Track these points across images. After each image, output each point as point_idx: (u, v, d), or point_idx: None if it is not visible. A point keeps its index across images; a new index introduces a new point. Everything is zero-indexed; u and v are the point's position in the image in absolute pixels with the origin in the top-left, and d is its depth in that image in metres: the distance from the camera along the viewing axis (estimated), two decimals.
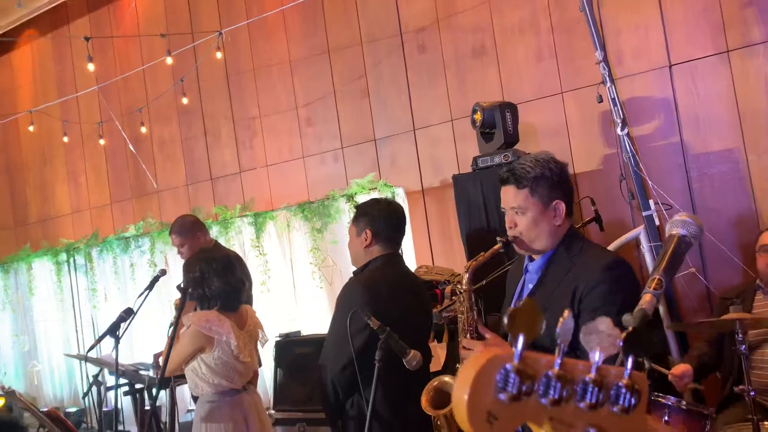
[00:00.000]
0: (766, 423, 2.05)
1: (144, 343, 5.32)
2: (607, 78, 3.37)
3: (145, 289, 3.08)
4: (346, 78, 5.18)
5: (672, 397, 2.21)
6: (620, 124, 3.37)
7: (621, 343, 0.67)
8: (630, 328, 0.88)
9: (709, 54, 3.82)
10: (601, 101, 3.55)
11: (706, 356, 2.71)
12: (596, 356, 0.63)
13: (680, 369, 2.59)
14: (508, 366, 0.59)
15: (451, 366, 3.12)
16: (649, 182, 3.38)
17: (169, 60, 4.68)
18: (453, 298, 3.53)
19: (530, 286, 1.85)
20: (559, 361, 0.63)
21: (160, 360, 3.63)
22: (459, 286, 1.87)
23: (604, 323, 0.61)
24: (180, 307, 2.55)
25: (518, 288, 1.91)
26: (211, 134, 5.93)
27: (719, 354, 2.71)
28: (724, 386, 2.69)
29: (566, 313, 0.62)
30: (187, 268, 2.72)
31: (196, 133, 6.01)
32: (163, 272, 3.28)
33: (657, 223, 3.32)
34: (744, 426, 2.31)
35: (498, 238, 1.85)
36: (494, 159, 3.70)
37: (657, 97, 4.00)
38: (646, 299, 0.87)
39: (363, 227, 2.28)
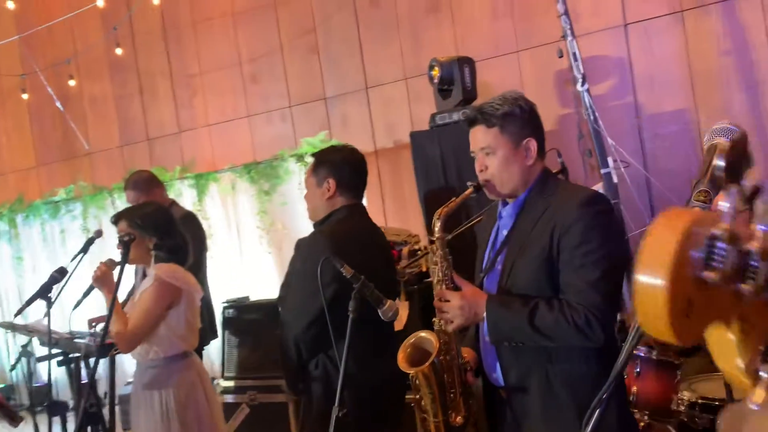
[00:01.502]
0: None
1: (77, 312, 4.97)
2: (569, 31, 3.29)
3: (80, 252, 2.82)
4: (293, 33, 4.92)
5: (643, 348, 2.20)
6: (580, 80, 3.32)
7: None
8: None
9: (664, 13, 3.81)
10: (562, 56, 3.48)
11: None
12: None
13: None
14: (716, 232, 0.41)
15: (412, 327, 3.03)
16: (609, 140, 3.36)
17: (100, 2, 4.27)
18: (415, 256, 3.44)
19: (504, 232, 1.77)
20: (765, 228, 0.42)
21: (99, 327, 3.38)
22: (431, 236, 1.76)
23: None
24: (123, 261, 2.32)
25: (492, 235, 1.83)
26: (148, 92, 5.55)
27: None
28: None
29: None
30: (129, 217, 2.47)
31: (130, 91, 5.61)
32: (99, 233, 3.02)
33: (615, 180, 3.31)
34: (712, 375, 2.34)
35: (469, 183, 1.76)
36: (452, 116, 3.59)
37: (612, 57, 3.98)
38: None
39: (324, 176, 2.12)
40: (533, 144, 1.73)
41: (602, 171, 3.34)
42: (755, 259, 0.43)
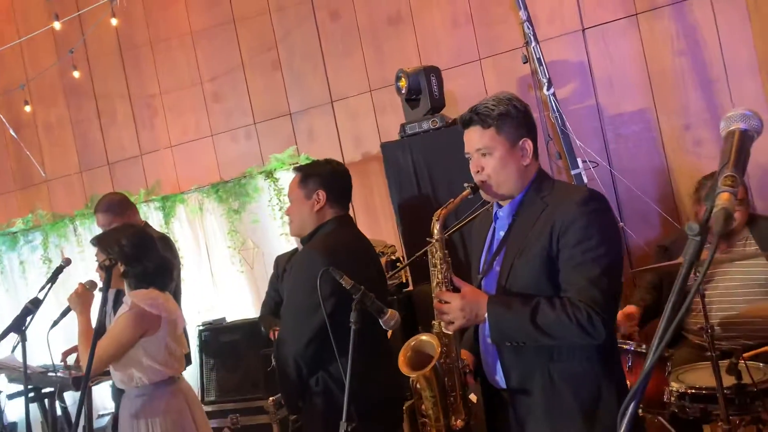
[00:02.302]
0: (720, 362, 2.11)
1: (44, 345, 4.78)
2: (532, 37, 3.36)
3: (48, 281, 2.73)
4: (254, 49, 4.89)
5: (632, 342, 2.24)
6: (546, 84, 3.39)
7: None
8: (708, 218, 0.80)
9: (620, 17, 3.94)
10: (526, 62, 3.55)
11: (646, 303, 2.79)
12: None
13: (628, 309, 2.65)
14: None
15: (394, 336, 3.02)
16: (576, 141, 3.44)
17: (57, 25, 4.14)
18: (393, 267, 3.43)
19: (501, 233, 1.77)
20: None
21: (70, 358, 3.25)
22: (430, 238, 1.75)
23: None
24: (105, 286, 2.24)
25: (488, 237, 1.82)
26: (106, 115, 5.41)
27: (659, 300, 2.80)
28: (679, 327, 2.78)
29: None
30: (110, 242, 2.39)
31: (88, 115, 5.46)
32: (68, 261, 2.92)
33: (585, 180, 3.39)
34: (699, 365, 2.40)
35: (465, 184, 1.74)
36: (422, 125, 3.62)
37: (572, 61, 4.08)
38: (724, 198, 0.79)
39: (314, 188, 2.10)
40: (529, 144, 1.73)
41: (572, 172, 3.41)
42: None
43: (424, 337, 1.77)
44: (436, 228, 1.74)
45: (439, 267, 1.73)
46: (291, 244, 3.91)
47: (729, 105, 3.67)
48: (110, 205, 3.48)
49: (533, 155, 1.74)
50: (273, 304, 3.50)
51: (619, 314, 2.60)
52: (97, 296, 2.44)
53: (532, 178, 1.74)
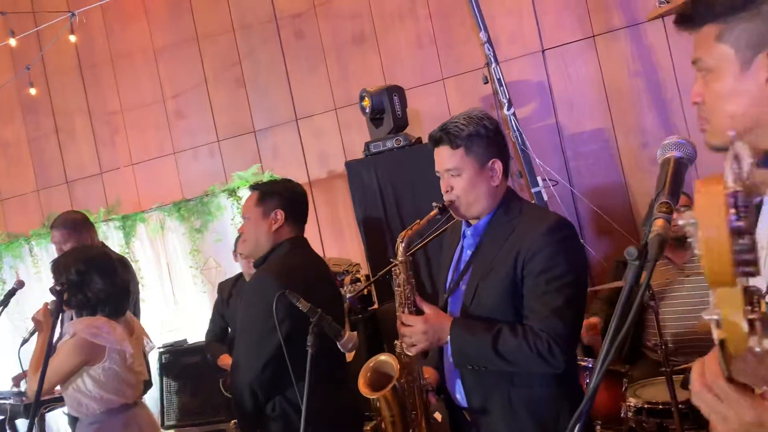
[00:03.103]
0: (673, 376, 2.15)
1: None
2: (492, 58, 3.42)
3: (0, 304, 2.64)
4: (218, 66, 4.86)
5: (590, 359, 2.27)
6: (506, 104, 3.44)
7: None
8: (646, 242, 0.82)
9: (578, 39, 4.04)
10: (487, 82, 3.61)
11: (605, 315, 2.84)
12: None
13: (592, 320, 2.68)
14: (738, 189, 0.52)
15: (358, 356, 3.00)
16: (536, 160, 3.50)
17: (12, 42, 4.05)
18: (353, 285, 3.41)
19: (468, 252, 1.77)
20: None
21: (23, 383, 3.14)
22: (394, 259, 1.75)
23: None
24: (57, 311, 2.17)
25: (456, 253, 1.82)
26: (64, 132, 5.31)
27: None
28: (622, 348, 2.84)
29: None
30: (60, 266, 2.33)
31: (45, 132, 5.35)
32: (21, 284, 2.82)
33: (545, 198, 3.44)
34: (656, 380, 2.44)
35: (434, 204, 1.73)
36: (386, 143, 3.64)
37: (533, 81, 4.17)
38: (659, 224, 0.81)
39: (273, 207, 2.07)
40: (499, 165, 1.71)
41: (533, 190, 3.46)
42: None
43: (383, 357, 1.76)
44: (400, 249, 1.74)
45: (402, 288, 1.73)
46: (239, 266, 3.82)
47: (683, 124, 3.79)
48: (67, 223, 3.38)
49: (503, 175, 1.73)
50: (219, 330, 3.47)
51: (586, 323, 2.65)
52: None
53: (500, 198, 1.73)
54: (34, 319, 2.45)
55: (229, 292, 3.41)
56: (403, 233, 1.75)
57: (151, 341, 2.63)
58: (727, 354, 0.63)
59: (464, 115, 1.74)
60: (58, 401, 2.82)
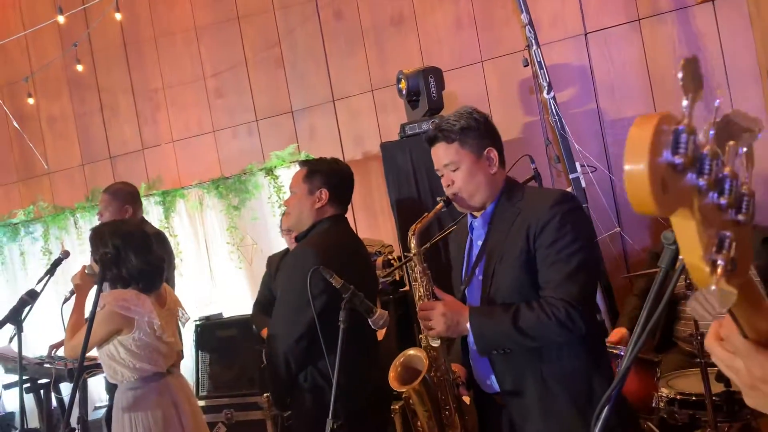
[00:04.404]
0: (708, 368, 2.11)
1: (38, 337, 4.81)
2: (533, 41, 3.37)
3: (46, 273, 2.74)
4: (258, 46, 4.90)
5: (623, 347, 2.25)
6: (546, 87, 3.39)
7: None
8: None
9: (622, 22, 3.94)
10: (527, 65, 3.56)
11: (638, 311, 2.80)
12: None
13: (617, 335, 2.65)
14: (681, 127, 0.52)
15: (389, 336, 3.04)
16: (575, 145, 3.44)
17: (60, 19, 4.16)
18: (389, 266, 3.44)
19: (479, 243, 1.80)
20: (713, 133, 0.56)
21: (60, 351, 3.27)
22: (408, 253, 1.78)
23: None
24: (101, 279, 2.25)
25: (466, 248, 1.85)
26: (109, 108, 5.44)
27: None
28: (654, 336, 2.80)
29: None
30: (98, 238, 2.41)
31: (91, 108, 5.49)
32: (67, 254, 2.93)
33: (584, 185, 3.39)
34: (689, 371, 2.40)
35: (438, 198, 1.79)
36: (422, 126, 3.63)
37: (574, 65, 4.09)
38: None
39: (318, 185, 2.12)
40: (494, 153, 1.77)
41: (571, 176, 3.41)
42: (708, 160, 0.55)
43: (411, 351, 1.79)
44: (412, 242, 1.78)
45: (420, 280, 1.77)
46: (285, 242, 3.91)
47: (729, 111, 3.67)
48: (113, 191, 3.52)
49: (499, 163, 1.79)
50: (265, 303, 3.52)
51: (608, 341, 2.60)
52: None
53: (501, 187, 1.79)
54: (73, 279, 2.54)
55: (276, 266, 3.47)
56: (412, 227, 1.80)
57: (186, 313, 2.70)
58: (738, 311, 0.64)
59: (454, 112, 1.81)
60: (99, 367, 2.93)
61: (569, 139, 3.40)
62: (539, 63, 3.40)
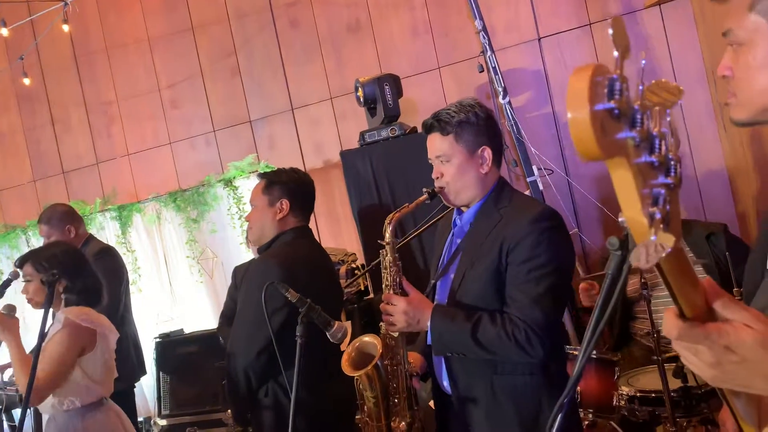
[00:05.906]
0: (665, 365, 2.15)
1: None
2: (487, 47, 3.40)
3: None
4: (213, 56, 4.83)
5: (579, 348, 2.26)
6: (502, 93, 3.43)
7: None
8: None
9: (573, 27, 4.02)
10: (482, 71, 3.59)
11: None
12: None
13: (584, 284, 2.69)
14: (614, 76, 0.55)
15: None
16: (532, 149, 3.49)
17: (4, 31, 4.02)
18: (352, 275, 3.42)
19: (458, 240, 1.78)
20: (641, 89, 0.59)
21: (5, 374, 3.13)
22: (382, 240, 1.75)
23: None
24: (47, 304, 2.16)
25: (447, 241, 1.83)
26: (60, 122, 5.29)
27: None
28: (611, 334, 2.85)
29: None
30: (40, 258, 2.35)
31: (41, 122, 5.33)
32: (16, 274, 2.82)
33: (541, 187, 3.43)
34: (648, 368, 2.45)
35: (424, 189, 1.75)
36: (381, 133, 3.63)
37: (529, 69, 4.15)
38: None
39: (278, 196, 2.09)
40: (488, 152, 1.72)
41: (528, 179, 3.45)
42: (639, 114, 0.57)
43: (366, 338, 1.77)
44: (387, 231, 1.75)
45: (389, 269, 1.73)
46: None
47: (679, 113, 3.77)
48: (50, 217, 3.40)
49: (493, 163, 1.73)
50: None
51: (580, 288, 2.67)
52: (32, 316, 2.35)
53: (492, 186, 1.73)
54: None
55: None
56: (390, 215, 1.77)
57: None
58: (677, 284, 0.67)
59: (457, 102, 1.75)
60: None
61: (526, 143, 3.44)
62: (494, 69, 3.44)
